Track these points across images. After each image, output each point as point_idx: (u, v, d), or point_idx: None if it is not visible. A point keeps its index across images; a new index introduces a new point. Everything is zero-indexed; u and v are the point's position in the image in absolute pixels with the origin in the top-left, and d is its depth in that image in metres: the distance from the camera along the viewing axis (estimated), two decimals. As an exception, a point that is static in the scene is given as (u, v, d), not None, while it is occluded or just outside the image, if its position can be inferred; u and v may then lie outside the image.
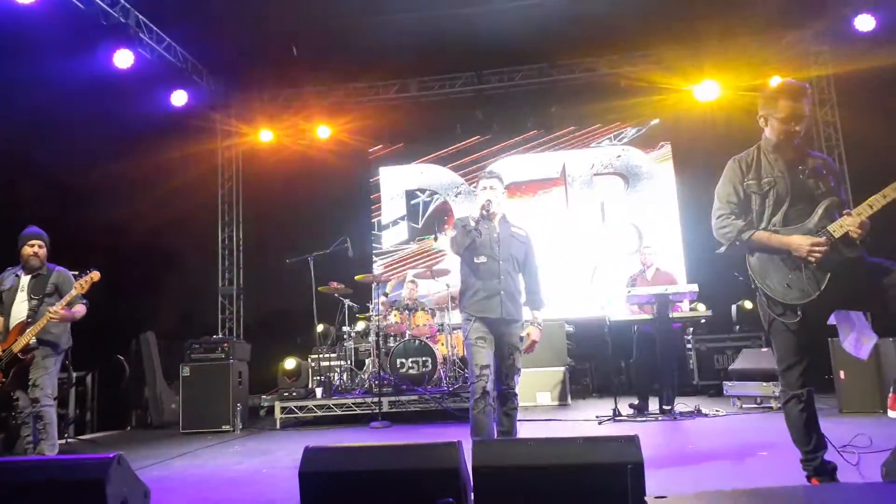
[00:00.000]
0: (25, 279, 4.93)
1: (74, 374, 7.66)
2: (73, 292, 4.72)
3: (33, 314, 4.78)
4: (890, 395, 2.94)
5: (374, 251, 11.14)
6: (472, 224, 4.01)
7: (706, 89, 9.62)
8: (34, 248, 4.93)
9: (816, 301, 2.99)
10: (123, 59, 8.01)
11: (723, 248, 3.23)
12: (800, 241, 2.98)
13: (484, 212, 4.04)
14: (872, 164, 8.32)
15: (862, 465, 3.64)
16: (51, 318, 4.61)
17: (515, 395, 4.04)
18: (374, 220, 11.29)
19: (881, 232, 3.15)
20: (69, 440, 7.11)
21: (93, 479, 2.62)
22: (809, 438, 3.08)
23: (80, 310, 4.88)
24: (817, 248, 2.93)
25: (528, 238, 4.31)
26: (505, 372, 4.00)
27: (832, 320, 3.18)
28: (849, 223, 2.94)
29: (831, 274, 2.96)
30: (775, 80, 8.44)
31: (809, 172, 3.14)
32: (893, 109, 8.04)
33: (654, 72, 9.88)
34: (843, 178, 3.23)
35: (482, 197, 4.14)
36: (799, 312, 3.02)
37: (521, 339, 4.13)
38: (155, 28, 8.64)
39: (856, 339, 3.14)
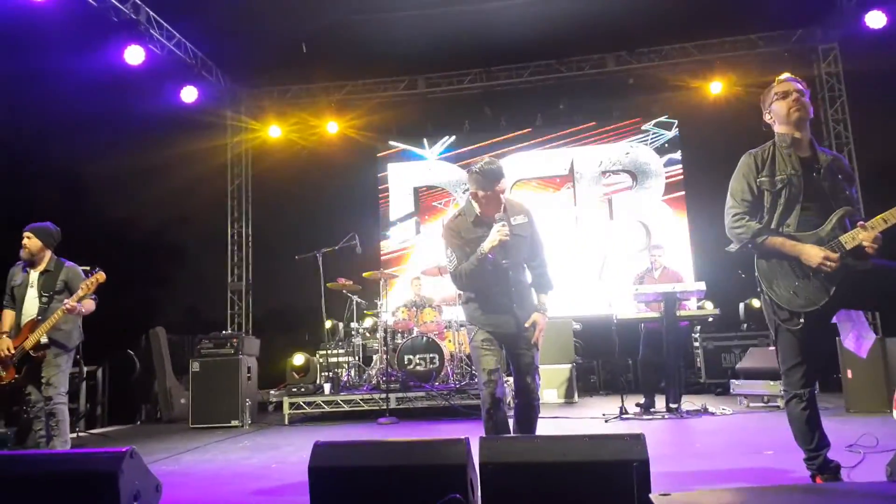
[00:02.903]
0: (34, 275, 4.95)
1: (85, 369, 7.74)
2: (80, 293, 4.75)
3: (44, 312, 4.83)
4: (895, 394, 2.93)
5: (382, 247, 11.18)
6: (482, 256, 3.52)
7: (715, 86, 9.57)
8: (23, 241, 4.96)
9: (821, 309, 2.99)
10: (134, 55, 8.06)
11: (734, 247, 3.19)
12: (811, 252, 2.94)
13: (499, 248, 3.52)
14: (883, 161, 8.33)
15: (868, 465, 3.65)
16: (66, 310, 4.66)
17: (537, 398, 3.69)
18: (383, 216, 11.33)
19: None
20: (80, 434, 7.19)
21: (106, 472, 2.67)
22: (811, 437, 3.09)
23: (89, 305, 4.92)
24: (828, 262, 2.90)
25: (531, 220, 3.85)
26: (523, 370, 3.67)
27: (834, 319, 3.19)
28: (862, 237, 2.90)
29: (838, 284, 2.94)
30: (784, 77, 8.41)
31: (824, 174, 3.10)
32: (904, 107, 8.00)
33: (662, 69, 9.88)
34: (854, 179, 3.20)
35: (497, 233, 3.49)
36: (802, 319, 3.01)
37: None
38: (165, 24, 8.67)
39: (856, 336, 3.16)
